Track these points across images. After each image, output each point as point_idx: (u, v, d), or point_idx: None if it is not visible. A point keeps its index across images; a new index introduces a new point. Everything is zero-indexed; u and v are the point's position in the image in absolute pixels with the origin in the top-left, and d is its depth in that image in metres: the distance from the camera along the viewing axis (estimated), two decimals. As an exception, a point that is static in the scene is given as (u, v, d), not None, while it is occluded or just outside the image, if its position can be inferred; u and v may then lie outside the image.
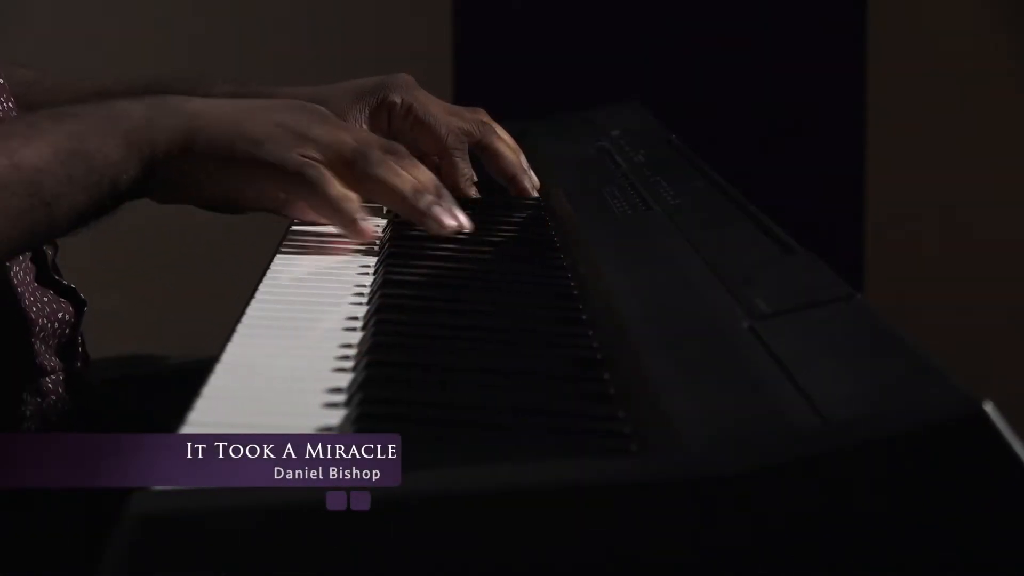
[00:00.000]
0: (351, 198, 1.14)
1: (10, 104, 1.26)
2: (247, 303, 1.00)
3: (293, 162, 1.12)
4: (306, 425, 0.79)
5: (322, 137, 1.14)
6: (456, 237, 1.19)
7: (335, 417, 0.80)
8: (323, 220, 1.18)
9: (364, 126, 1.35)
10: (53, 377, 1.22)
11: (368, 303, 1.02)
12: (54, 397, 1.21)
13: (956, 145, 2.81)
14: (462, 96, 2.81)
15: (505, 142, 1.39)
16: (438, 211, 1.17)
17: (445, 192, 1.18)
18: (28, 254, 1.23)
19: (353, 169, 1.14)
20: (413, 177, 1.16)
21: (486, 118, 1.40)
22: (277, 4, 2.84)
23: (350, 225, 1.14)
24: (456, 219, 1.17)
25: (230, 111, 1.14)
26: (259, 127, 1.13)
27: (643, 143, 1.51)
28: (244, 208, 1.21)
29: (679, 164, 1.40)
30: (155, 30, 2.81)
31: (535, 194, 1.37)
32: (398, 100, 1.36)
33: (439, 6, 2.82)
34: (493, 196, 1.39)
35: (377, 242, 1.19)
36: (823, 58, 2.81)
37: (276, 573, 0.66)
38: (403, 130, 1.36)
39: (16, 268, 1.21)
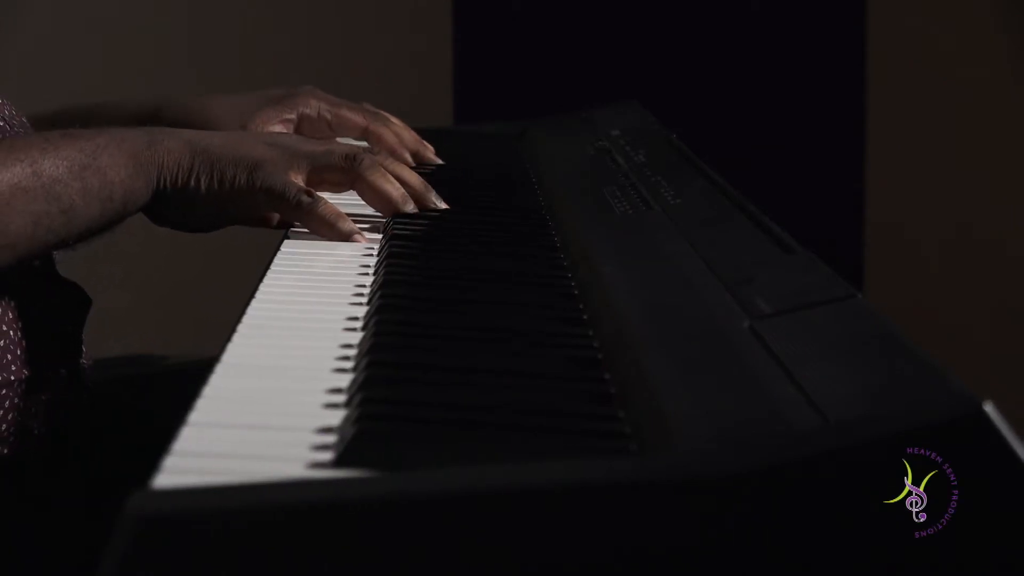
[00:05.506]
0: (344, 216, 1.19)
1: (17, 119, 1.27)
2: (247, 303, 1.00)
3: (290, 190, 1.18)
4: (306, 425, 0.79)
5: (312, 151, 1.21)
6: (456, 237, 1.19)
7: (335, 417, 0.80)
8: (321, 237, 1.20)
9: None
10: (55, 375, 1.22)
11: (368, 303, 1.02)
12: (56, 395, 1.21)
13: (956, 145, 2.81)
14: (462, 96, 2.81)
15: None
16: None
17: (429, 187, 1.26)
18: None
19: (347, 173, 1.21)
20: (400, 176, 1.24)
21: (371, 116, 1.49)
22: (277, 4, 2.84)
23: (347, 239, 1.19)
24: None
25: (221, 137, 1.21)
26: (254, 150, 1.19)
27: (643, 143, 1.51)
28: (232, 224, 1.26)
29: (679, 164, 1.40)
30: (155, 30, 2.81)
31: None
32: (312, 112, 1.49)
33: (439, 6, 2.82)
34: (494, 195, 1.39)
35: (377, 243, 1.19)
36: (823, 58, 2.81)
37: (275, 573, 0.66)
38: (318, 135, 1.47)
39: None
